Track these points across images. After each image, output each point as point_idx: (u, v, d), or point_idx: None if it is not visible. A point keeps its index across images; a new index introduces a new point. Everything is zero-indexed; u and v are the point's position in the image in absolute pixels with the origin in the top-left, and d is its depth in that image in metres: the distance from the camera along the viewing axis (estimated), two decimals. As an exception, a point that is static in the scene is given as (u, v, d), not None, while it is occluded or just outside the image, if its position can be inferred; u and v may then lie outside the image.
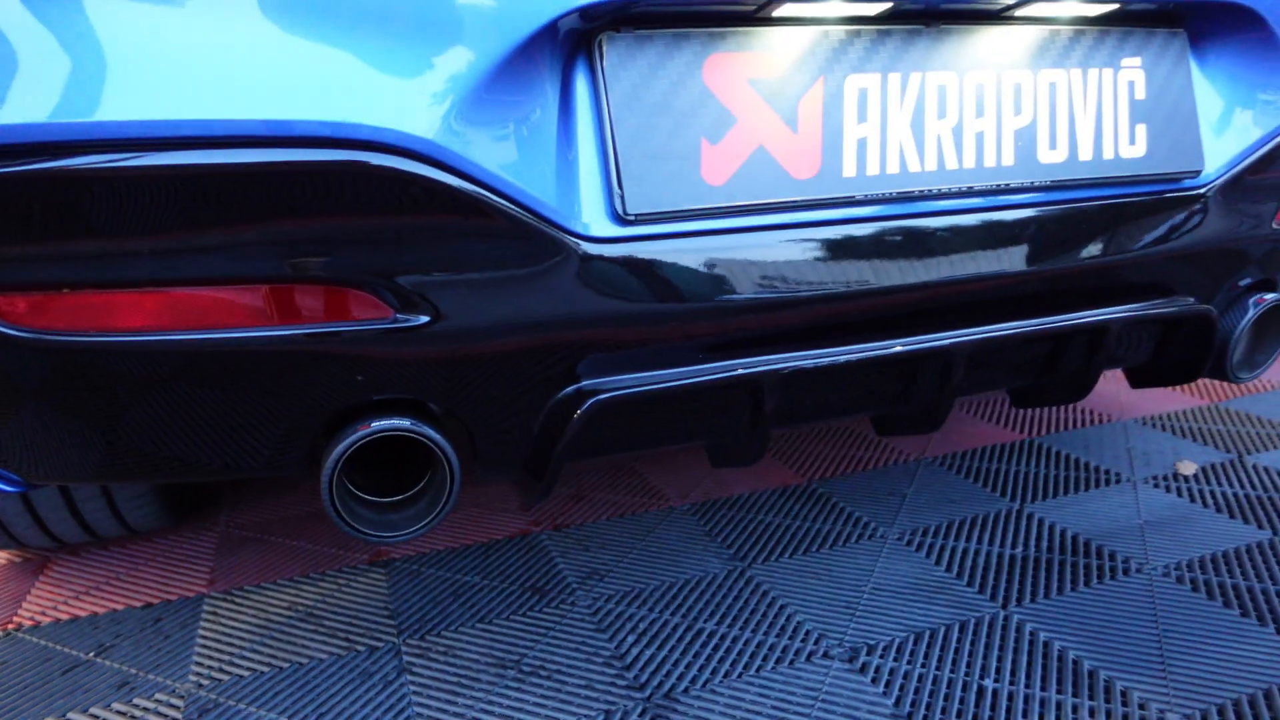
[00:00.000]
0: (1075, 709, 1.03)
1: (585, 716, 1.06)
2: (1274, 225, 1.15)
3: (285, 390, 0.82)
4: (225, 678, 1.18)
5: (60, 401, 0.82)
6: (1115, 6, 0.95)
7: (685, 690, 1.10)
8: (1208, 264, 1.12)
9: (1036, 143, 0.95)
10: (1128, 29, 0.99)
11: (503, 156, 0.78)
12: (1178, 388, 2.16)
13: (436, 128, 0.75)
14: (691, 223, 0.84)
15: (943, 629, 1.19)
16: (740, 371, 0.88)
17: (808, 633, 1.20)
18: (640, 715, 1.05)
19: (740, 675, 1.12)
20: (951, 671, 1.10)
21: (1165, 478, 1.64)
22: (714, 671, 1.13)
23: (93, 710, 1.13)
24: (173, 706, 1.13)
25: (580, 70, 0.81)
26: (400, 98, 0.74)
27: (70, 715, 1.12)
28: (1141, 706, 1.02)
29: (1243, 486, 1.58)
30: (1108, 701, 1.03)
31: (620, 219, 0.82)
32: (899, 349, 0.93)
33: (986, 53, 0.93)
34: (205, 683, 1.17)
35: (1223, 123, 1.07)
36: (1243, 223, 1.11)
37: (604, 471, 1.83)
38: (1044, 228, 0.97)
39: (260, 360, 0.80)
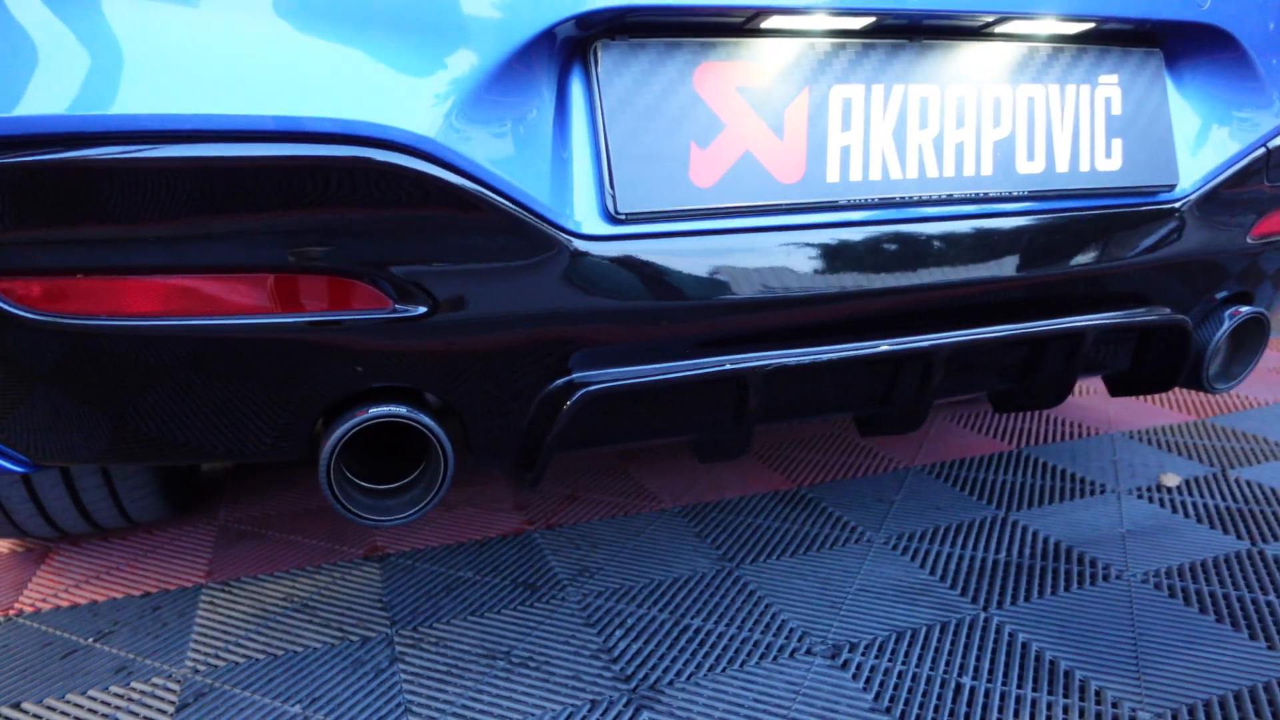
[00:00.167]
0: (1050, 706, 1.05)
1: (572, 706, 1.08)
2: (1249, 240, 1.18)
3: (287, 376, 0.86)
4: (221, 664, 1.21)
5: (70, 383, 0.85)
6: (1092, 26, 0.99)
7: (670, 683, 1.12)
8: (1184, 276, 1.15)
9: (1015, 154, 0.99)
10: (1105, 47, 1.03)
11: (501, 156, 0.82)
12: (1166, 404, 2.19)
13: (439, 127, 0.79)
14: (680, 223, 0.87)
15: (924, 629, 1.22)
16: (725, 367, 0.91)
17: (792, 630, 1.23)
18: (625, 706, 1.08)
19: (724, 670, 1.14)
20: (931, 669, 1.13)
21: (1149, 489, 1.67)
22: (699, 666, 1.15)
23: (91, 692, 1.16)
24: (169, 690, 1.15)
25: (576, 75, 0.85)
26: (405, 98, 0.78)
27: (69, 697, 1.15)
28: (1114, 705, 1.05)
29: (1225, 499, 1.61)
30: (1082, 700, 1.06)
31: (612, 218, 0.85)
32: (879, 349, 0.96)
33: (967, 67, 0.96)
34: (201, 668, 1.20)
35: (1198, 139, 1.10)
36: (1218, 236, 1.14)
37: (598, 473, 1.86)
38: (1021, 236, 1.00)
39: (264, 347, 0.84)
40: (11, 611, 1.38)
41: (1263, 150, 1.11)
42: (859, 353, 0.95)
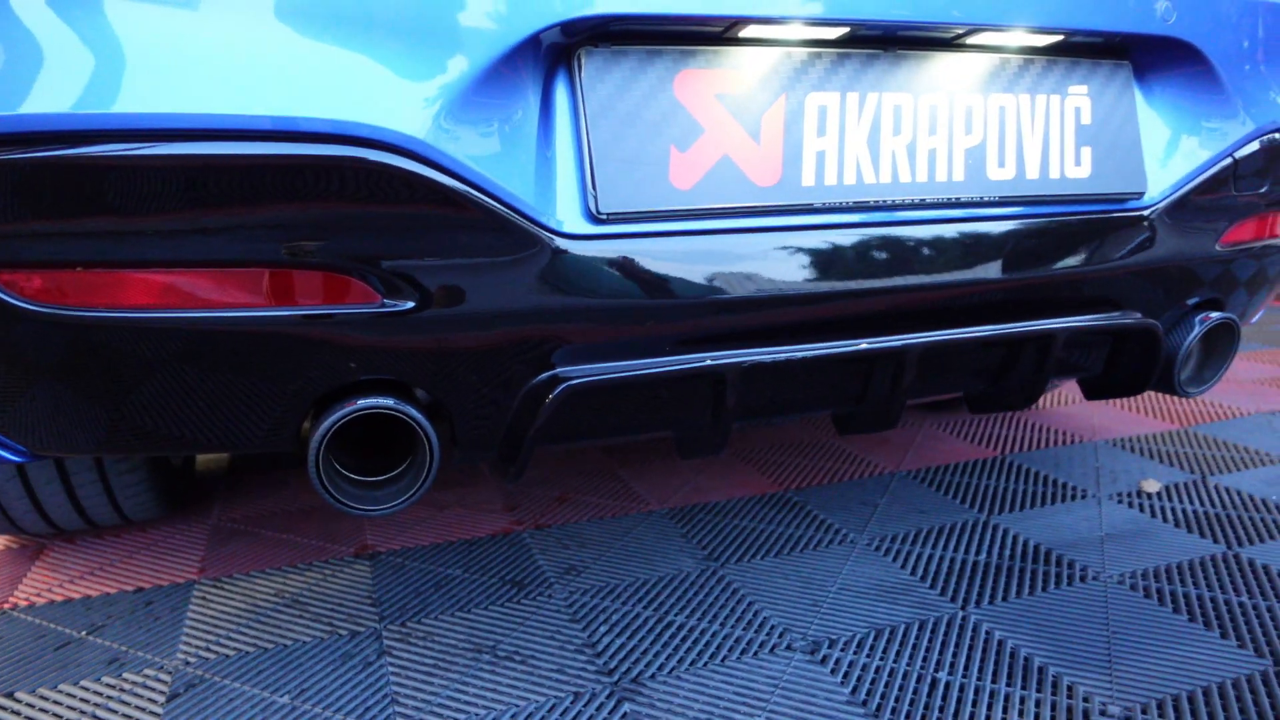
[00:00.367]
0: (1022, 700, 1.07)
1: (555, 698, 1.10)
2: (1218, 247, 1.21)
3: (278, 369, 0.89)
4: (212, 656, 1.23)
5: (68, 374, 0.88)
6: (1060, 38, 1.02)
7: (652, 676, 1.14)
8: (1155, 281, 1.18)
9: (986, 161, 1.02)
10: (1075, 59, 1.07)
11: (487, 157, 0.85)
12: (1150, 413, 2.22)
13: (428, 128, 0.82)
14: (660, 223, 0.90)
15: (903, 626, 1.24)
16: (703, 364, 0.94)
17: (773, 627, 1.25)
18: (608, 698, 1.10)
19: (705, 664, 1.17)
20: (908, 665, 1.15)
21: (1129, 495, 1.69)
22: (680, 660, 1.18)
23: (83, 683, 1.18)
24: (160, 681, 1.17)
25: (560, 80, 0.88)
26: (396, 100, 0.81)
27: (61, 687, 1.17)
28: (1085, 700, 1.07)
29: (1203, 504, 1.64)
30: (1054, 694, 1.08)
31: (594, 217, 0.89)
32: (851, 349, 0.99)
33: (940, 77, 1.00)
34: (192, 660, 1.22)
35: (1167, 149, 1.14)
36: (1188, 243, 1.18)
37: (588, 476, 1.89)
38: (992, 240, 1.04)
39: (256, 340, 0.86)
40: (6, 605, 1.40)
41: (1230, 160, 1.15)
42: (832, 351, 0.98)
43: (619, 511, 1.69)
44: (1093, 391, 1.32)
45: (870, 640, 1.21)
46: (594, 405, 0.99)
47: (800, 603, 1.32)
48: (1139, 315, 1.16)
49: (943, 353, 1.08)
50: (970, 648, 1.18)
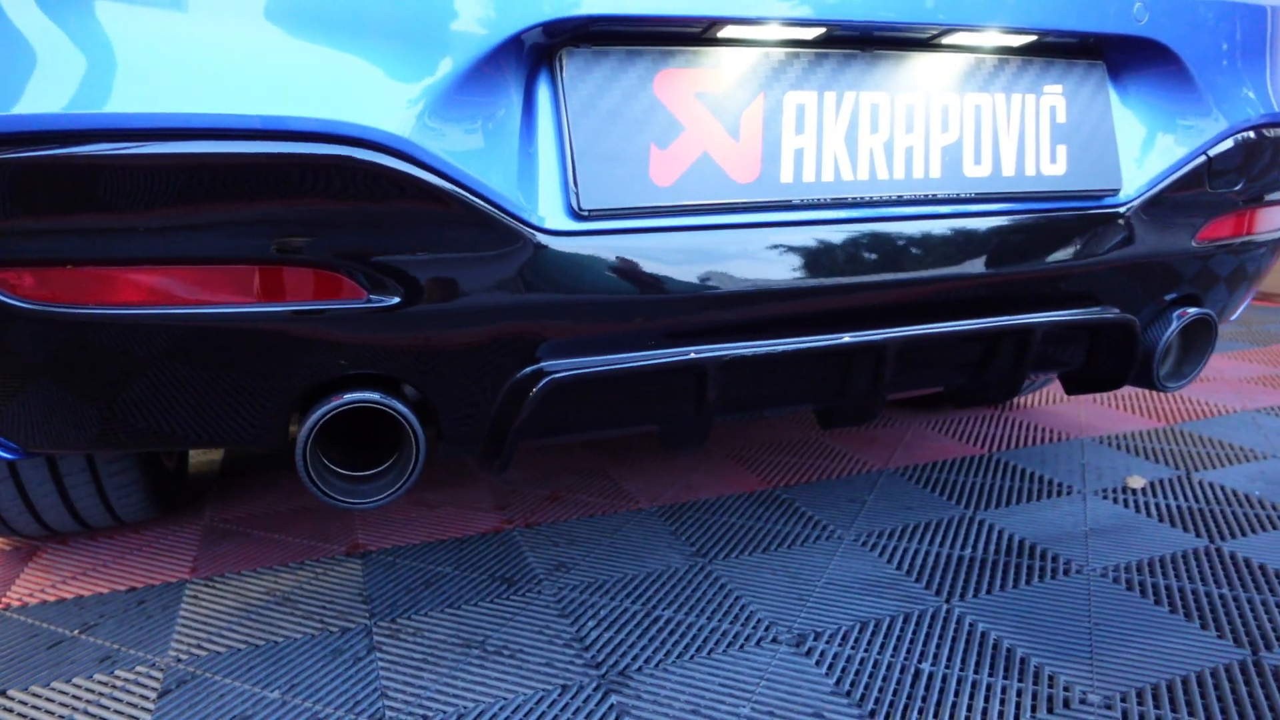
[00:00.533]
0: (1004, 690, 1.09)
1: (543, 690, 1.12)
2: (1195, 244, 1.23)
3: (266, 364, 0.90)
4: (203, 653, 1.24)
5: (60, 371, 0.89)
6: (1035, 38, 1.05)
7: (639, 669, 1.16)
8: (1131, 277, 1.20)
9: (963, 159, 1.04)
10: (1049, 59, 1.09)
11: (471, 155, 0.87)
12: (1137, 410, 2.24)
13: (413, 127, 0.84)
14: (641, 220, 0.92)
15: (887, 619, 1.26)
16: (683, 357, 0.96)
17: (759, 620, 1.26)
18: (595, 690, 1.11)
19: (692, 657, 1.18)
20: (891, 656, 1.17)
21: (1114, 490, 1.71)
22: (667, 653, 1.19)
23: (76, 680, 1.19)
24: (152, 678, 1.18)
25: (543, 79, 0.90)
26: (382, 99, 0.83)
27: (54, 684, 1.18)
28: (1066, 689, 1.08)
29: (1187, 500, 1.65)
30: (1035, 684, 1.10)
31: (576, 214, 0.90)
32: (830, 342, 1.01)
33: (917, 76, 1.02)
34: (184, 657, 1.23)
35: (1142, 147, 1.16)
36: (1164, 240, 1.20)
37: (578, 474, 1.90)
38: (969, 236, 1.05)
39: (244, 335, 0.88)
40: (-1, 605, 1.41)
41: (1203, 158, 1.17)
42: (811, 346, 1.00)
43: (609, 510, 1.70)
44: (1073, 386, 1.34)
45: (855, 633, 1.22)
46: (577, 399, 1.00)
47: (787, 597, 1.33)
48: (1117, 310, 1.18)
49: (921, 347, 1.10)
50: (954, 639, 1.20)
